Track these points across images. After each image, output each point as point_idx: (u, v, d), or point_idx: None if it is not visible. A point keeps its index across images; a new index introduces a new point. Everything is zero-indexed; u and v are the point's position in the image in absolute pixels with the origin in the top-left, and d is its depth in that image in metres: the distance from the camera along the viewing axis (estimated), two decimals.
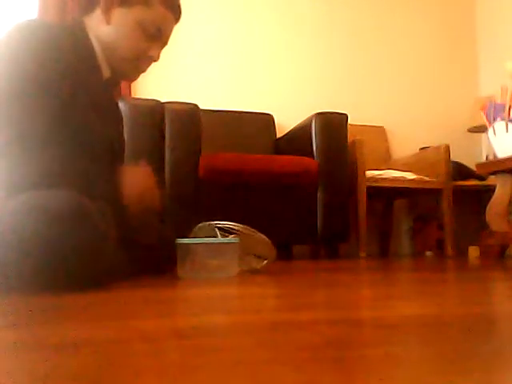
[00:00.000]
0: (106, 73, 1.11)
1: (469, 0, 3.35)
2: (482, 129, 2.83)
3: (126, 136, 1.96)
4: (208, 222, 1.24)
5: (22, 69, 0.91)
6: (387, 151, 2.98)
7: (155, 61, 1.14)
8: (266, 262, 1.24)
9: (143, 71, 1.15)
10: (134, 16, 1.06)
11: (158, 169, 1.99)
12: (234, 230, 1.20)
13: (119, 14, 1.06)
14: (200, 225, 1.26)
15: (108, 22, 1.06)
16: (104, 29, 1.07)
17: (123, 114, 1.98)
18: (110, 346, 0.37)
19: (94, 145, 1.02)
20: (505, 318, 0.50)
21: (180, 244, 1.06)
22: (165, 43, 1.15)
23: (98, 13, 1.07)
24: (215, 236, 1.20)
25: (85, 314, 0.54)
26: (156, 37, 1.10)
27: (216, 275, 1.06)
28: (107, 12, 1.06)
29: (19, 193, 0.85)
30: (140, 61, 1.11)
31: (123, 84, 2.58)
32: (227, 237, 1.18)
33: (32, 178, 0.89)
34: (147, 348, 0.36)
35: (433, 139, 3.02)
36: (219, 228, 1.22)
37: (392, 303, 0.62)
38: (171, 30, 1.15)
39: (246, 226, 1.20)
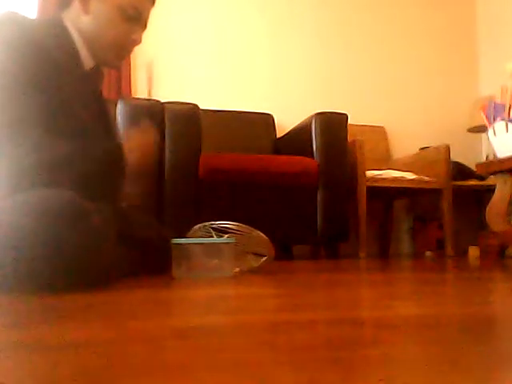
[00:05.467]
0: (88, 64, 1.12)
1: (469, 0, 3.35)
2: (482, 129, 2.83)
3: (124, 135, 1.96)
4: (203, 224, 1.24)
5: (5, 64, 0.92)
6: (387, 151, 2.98)
7: (138, 44, 1.15)
8: (264, 259, 1.24)
9: (126, 57, 1.17)
10: (112, 1, 1.07)
11: (158, 169, 1.99)
12: (231, 229, 1.19)
13: (97, 2, 1.07)
14: (196, 227, 1.26)
15: (87, 12, 1.07)
16: (84, 19, 1.08)
17: (123, 114, 1.99)
18: (110, 345, 0.37)
19: (84, 137, 1.02)
20: (505, 318, 0.50)
21: (175, 244, 1.06)
22: (145, 25, 1.16)
23: (75, 5, 1.08)
24: (211, 237, 1.20)
25: (85, 314, 0.54)
26: (136, 19, 1.11)
27: (212, 275, 1.05)
28: (84, 1, 1.07)
29: (18, 192, 0.85)
30: (123, 46, 1.13)
31: (123, 84, 2.58)
32: (223, 237, 1.18)
33: (30, 175, 0.89)
34: (147, 348, 0.36)
35: (433, 139, 3.02)
36: (215, 229, 1.22)
37: (392, 303, 0.62)
38: (149, 12, 1.16)
39: (243, 225, 1.20)
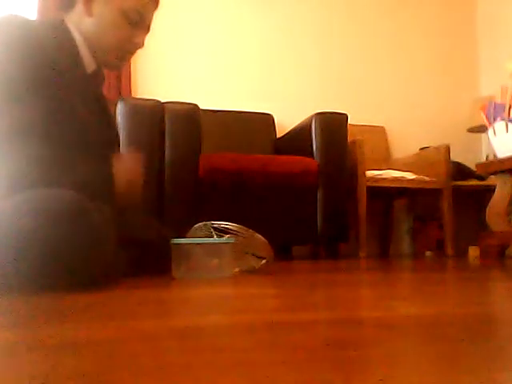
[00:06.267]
0: (90, 67, 1.12)
1: (469, 0, 3.35)
2: (482, 129, 2.83)
3: (126, 136, 1.96)
4: (204, 223, 1.24)
5: (3, 63, 0.92)
6: (387, 151, 2.98)
7: (141, 48, 1.14)
8: (263, 261, 1.24)
9: (127, 60, 1.17)
10: (115, 4, 1.07)
11: (158, 169, 2.00)
12: (231, 230, 1.19)
13: (100, 5, 1.07)
14: (196, 226, 1.26)
15: (89, 14, 1.07)
16: (86, 21, 1.08)
17: (123, 114, 1.99)
18: (110, 345, 0.37)
19: (85, 138, 1.02)
20: (505, 318, 0.50)
21: (175, 244, 1.06)
22: (148, 29, 1.16)
23: (78, 7, 1.08)
24: (211, 236, 1.20)
25: (85, 314, 0.54)
26: (139, 23, 1.11)
27: (212, 275, 1.05)
28: (88, 4, 1.07)
29: (18, 192, 0.85)
30: (125, 49, 1.12)
31: (123, 84, 2.58)
32: (223, 237, 1.18)
33: (30, 175, 0.89)
34: (147, 348, 0.36)
35: (433, 139, 3.02)
36: (215, 228, 1.21)
37: (392, 303, 0.62)
38: (152, 15, 1.16)
39: (242, 227, 1.20)
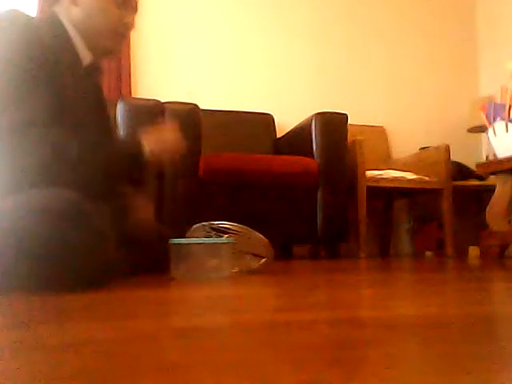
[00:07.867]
0: (86, 59, 1.11)
1: (469, 0, 3.35)
2: (482, 129, 2.83)
3: (126, 136, 1.96)
4: (203, 223, 1.24)
5: (5, 60, 0.92)
6: (387, 151, 2.97)
7: (132, 28, 1.14)
8: (264, 260, 1.23)
9: (122, 42, 1.17)
10: None
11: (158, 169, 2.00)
12: (231, 229, 1.19)
13: None
14: (195, 226, 1.25)
15: (75, 3, 1.07)
16: (75, 11, 1.07)
17: (123, 114, 1.99)
18: (110, 345, 0.37)
19: (85, 134, 1.02)
20: (505, 318, 0.50)
21: (174, 244, 1.06)
22: (136, 9, 1.15)
23: None
24: (210, 237, 1.20)
25: (85, 314, 0.54)
26: (126, 3, 1.11)
27: (211, 275, 1.05)
28: None
29: (18, 191, 0.85)
30: (117, 32, 1.12)
31: (123, 84, 2.58)
32: (222, 237, 1.18)
33: (30, 175, 0.89)
34: (147, 348, 0.36)
35: (433, 139, 3.02)
36: (214, 229, 1.21)
37: (392, 303, 0.62)
38: None
39: (242, 226, 1.20)
